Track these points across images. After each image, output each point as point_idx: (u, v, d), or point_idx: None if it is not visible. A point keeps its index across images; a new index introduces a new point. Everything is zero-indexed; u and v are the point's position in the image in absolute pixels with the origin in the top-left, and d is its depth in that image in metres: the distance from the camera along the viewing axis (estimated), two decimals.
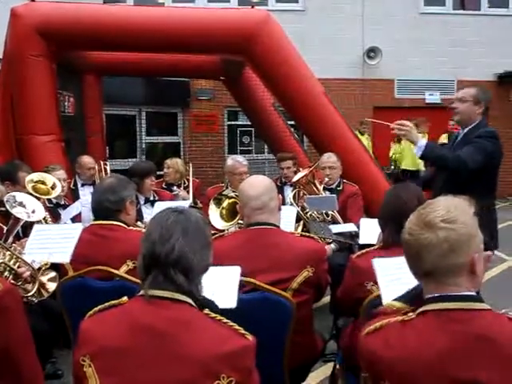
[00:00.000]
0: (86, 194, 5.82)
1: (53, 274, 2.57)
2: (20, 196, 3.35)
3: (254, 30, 6.39)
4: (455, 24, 14.02)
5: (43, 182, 4.27)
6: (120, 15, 6.59)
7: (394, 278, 2.51)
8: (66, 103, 7.94)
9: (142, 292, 1.81)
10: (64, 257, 2.81)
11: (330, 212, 4.96)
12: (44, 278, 2.49)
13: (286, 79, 6.48)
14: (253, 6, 7.53)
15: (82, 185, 6.11)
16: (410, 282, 2.01)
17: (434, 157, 4.08)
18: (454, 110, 4.17)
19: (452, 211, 1.65)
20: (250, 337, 1.76)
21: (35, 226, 3.22)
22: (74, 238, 2.85)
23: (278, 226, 2.95)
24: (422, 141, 4.01)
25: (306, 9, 13.73)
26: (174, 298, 1.76)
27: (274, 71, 6.51)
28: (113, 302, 1.85)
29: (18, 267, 2.86)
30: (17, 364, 1.99)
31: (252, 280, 2.61)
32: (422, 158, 4.12)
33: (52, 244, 2.86)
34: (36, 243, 2.98)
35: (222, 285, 2.45)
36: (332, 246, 4.72)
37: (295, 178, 5.36)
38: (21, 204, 3.26)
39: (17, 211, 3.22)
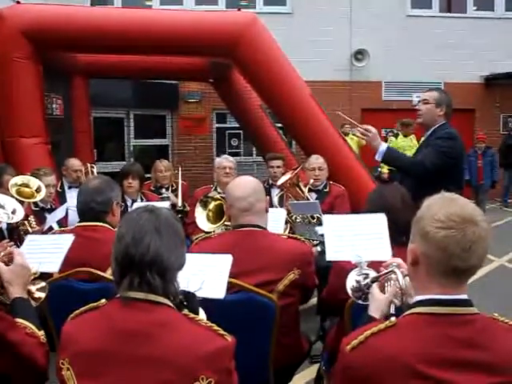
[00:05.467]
0: (72, 197, 5.73)
1: (42, 284, 2.56)
2: None
3: (240, 32, 6.41)
4: (442, 27, 14.08)
5: (27, 185, 4.24)
6: (107, 17, 6.58)
7: (339, 234, 2.63)
8: (53, 105, 7.91)
9: (119, 294, 1.78)
10: (53, 267, 2.80)
11: (315, 214, 4.98)
12: (33, 288, 2.47)
13: (272, 81, 6.50)
14: (239, 9, 7.54)
15: (69, 187, 6.08)
16: (354, 240, 2.09)
17: (393, 162, 4.30)
18: (418, 112, 4.30)
19: (475, 208, 1.66)
20: (228, 337, 1.74)
21: (28, 237, 3.17)
22: (64, 248, 2.83)
23: (265, 228, 2.95)
24: (383, 146, 4.14)
25: (293, 11, 13.76)
26: (151, 299, 1.74)
27: (260, 73, 6.52)
28: (92, 304, 1.84)
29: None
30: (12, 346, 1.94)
31: (237, 281, 2.61)
32: (383, 162, 4.28)
33: (42, 254, 2.85)
34: (27, 253, 2.97)
35: (211, 273, 2.45)
36: (318, 247, 4.73)
37: (280, 182, 5.39)
38: None
39: None
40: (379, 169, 11.30)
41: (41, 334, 2.03)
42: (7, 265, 2.26)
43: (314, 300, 4.36)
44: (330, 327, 3.51)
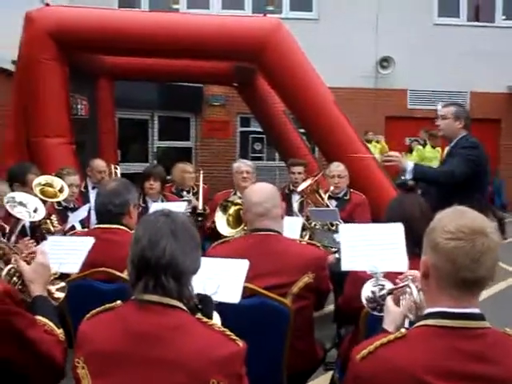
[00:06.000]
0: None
1: (62, 284, 2.60)
2: (20, 196, 3.35)
3: (265, 37, 6.44)
4: (469, 35, 13.96)
5: (51, 185, 4.30)
6: (134, 20, 6.67)
7: (355, 244, 2.64)
8: (79, 106, 8.03)
9: (134, 297, 1.81)
10: (73, 267, 2.85)
11: (334, 222, 4.97)
12: (52, 288, 2.51)
13: (296, 87, 6.52)
14: (265, 14, 7.58)
15: (93, 188, 6.14)
16: (370, 250, 2.08)
17: (423, 177, 4.37)
18: (438, 127, 4.51)
19: (486, 220, 1.67)
20: (240, 342, 1.75)
21: (49, 238, 3.24)
22: (84, 250, 2.87)
23: (281, 233, 2.98)
24: (410, 164, 4.29)
25: (319, 17, 13.77)
26: (165, 302, 1.76)
27: (284, 79, 6.55)
28: (108, 305, 1.87)
29: None
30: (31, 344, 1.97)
31: (251, 285, 2.63)
32: (414, 179, 4.35)
33: (63, 255, 2.90)
34: (48, 253, 3.02)
35: (227, 278, 2.47)
36: (336, 255, 4.72)
37: (300, 188, 5.38)
38: (21, 203, 3.28)
39: (18, 211, 3.24)
40: (402, 177, 11.23)
41: (59, 332, 2.06)
42: (29, 263, 2.29)
43: (330, 307, 4.36)
44: (344, 335, 3.50)
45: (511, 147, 13.23)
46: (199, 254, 1.90)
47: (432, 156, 11.12)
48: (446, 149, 4.66)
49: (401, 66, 13.60)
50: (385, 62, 13.81)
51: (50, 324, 2.05)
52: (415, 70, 13.56)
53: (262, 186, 3.06)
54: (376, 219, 5.51)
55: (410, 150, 11.88)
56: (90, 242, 2.96)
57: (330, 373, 3.69)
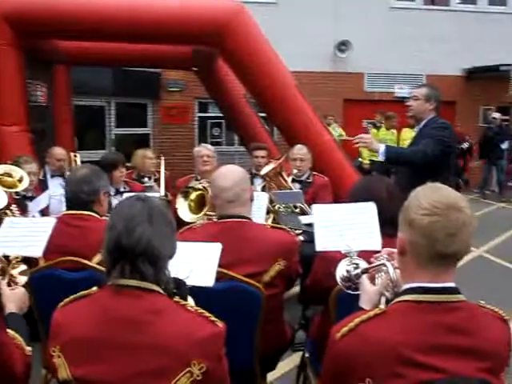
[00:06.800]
0: (55, 185, 5.73)
1: (23, 267, 2.55)
2: None
3: (227, 21, 6.38)
4: (425, 19, 14.16)
5: (10, 175, 4.20)
6: (90, 4, 6.50)
7: (329, 224, 2.66)
8: (38, 93, 7.83)
9: (110, 282, 1.78)
10: (36, 250, 2.78)
11: (298, 204, 5.00)
12: (14, 271, 2.46)
13: (258, 71, 6.49)
14: None
15: (52, 176, 6.03)
16: (344, 230, 2.10)
17: (396, 157, 4.45)
18: (409, 107, 4.61)
19: (459, 196, 1.70)
20: (220, 323, 1.76)
21: (7, 219, 3.15)
22: (46, 232, 2.81)
23: (250, 219, 2.96)
24: (382, 146, 4.40)
25: (277, 1, 13.72)
26: (143, 287, 1.75)
27: (246, 63, 6.51)
28: (83, 292, 1.84)
29: None
30: None
31: (226, 271, 2.62)
32: (386, 161, 4.44)
33: (24, 237, 2.82)
34: (8, 236, 2.94)
35: (201, 262, 2.46)
36: (301, 237, 4.75)
37: (263, 171, 5.38)
38: None
39: None
40: (359, 159, 11.40)
41: (27, 349, 2.01)
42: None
43: (295, 289, 4.39)
44: (313, 316, 3.53)
45: (467, 128, 13.52)
46: (175, 238, 1.89)
47: (387, 138, 11.28)
48: (415, 130, 4.81)
49: (358, 50, 13.69)
50: (342, 45, 13.88)
51: (20, 339, 2.01)
52: (372, 54, 13.69)
53: (231, 169, 2.99)
54: (337, 201, 5.57)
55: (366, 133, 12.01)
56: (51, 222, 2.91)
57: (297, 353, 3.75)
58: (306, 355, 3.14)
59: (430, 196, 1.68)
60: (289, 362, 4.06)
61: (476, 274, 6.44)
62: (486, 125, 13.83)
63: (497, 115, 13.42)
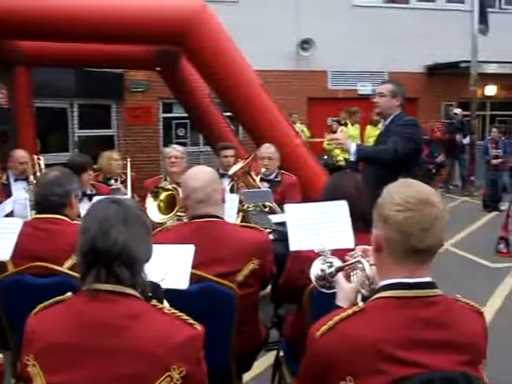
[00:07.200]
0: (18, 190, 5.61)
1: None
2: None
3: (190, 20, 6.31)
4: (386, 17, 14.33)
5: None
6: (52, 3, 6.36)
7: (302, 223, 2.67)
8: None
9: (85, 287, 1.74)
10: (4, 254, 2.71)
11: (267, 203, 5.00)
12: None
13: (222, 70, 6.45)
14: None
15: (15, 180, 5.90)
16: (317, 229, 2.10)
17: (368, 156, 4.48)
18: (375, 103, 4.62)
19: (431, 190, 1.72)
20: (198, 326, 1.74)
21: None
22: (14, 234, 2.74)
23: (222, 218, 2.95)
24: (353, 146, 4.42)
25: (239, 0, 13.69)
26: (119, 291, 1.71)
27: (210, 62, 6.46)
28: (58, 298, 1.79)
29: None
30: None
31: (198, 272, 2.59)
32: (358, 160, 4.48)
33: None
34: None
35: (174, 264, 2.43)
36: (271, 236, 4.75)
37: (231, 171, 5.37)
38: None
39: None
40: (325, 157, 11.51)
41: (0, 356, 1.95)
42: None
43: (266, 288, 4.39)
44: (286, 314, 3.53)
45: (429, 125, 13.72)
46: (151, 241, 1.86)
47: (354, 134, 11.44)
48: (380, 126, 4.84)
49: (321, 48, 13.77)
50: (305, 43, 13.94)
51: None
52: (335, 52, 13.78)
53: (201, 170, 2.99)
54: (305, 200, 5.59)
55: (330, 131, 12.11)
56: (18, 223, 2.84)
57: (272, 353, 3.74)
58: (281, 354, 3.14)
59: (403, 192, 1.70)
60: (263, 362, 4.05)
61: (443, 268, 6.52)
62: (448, 120, 14.08)
63: (458, 111, 13.69)
